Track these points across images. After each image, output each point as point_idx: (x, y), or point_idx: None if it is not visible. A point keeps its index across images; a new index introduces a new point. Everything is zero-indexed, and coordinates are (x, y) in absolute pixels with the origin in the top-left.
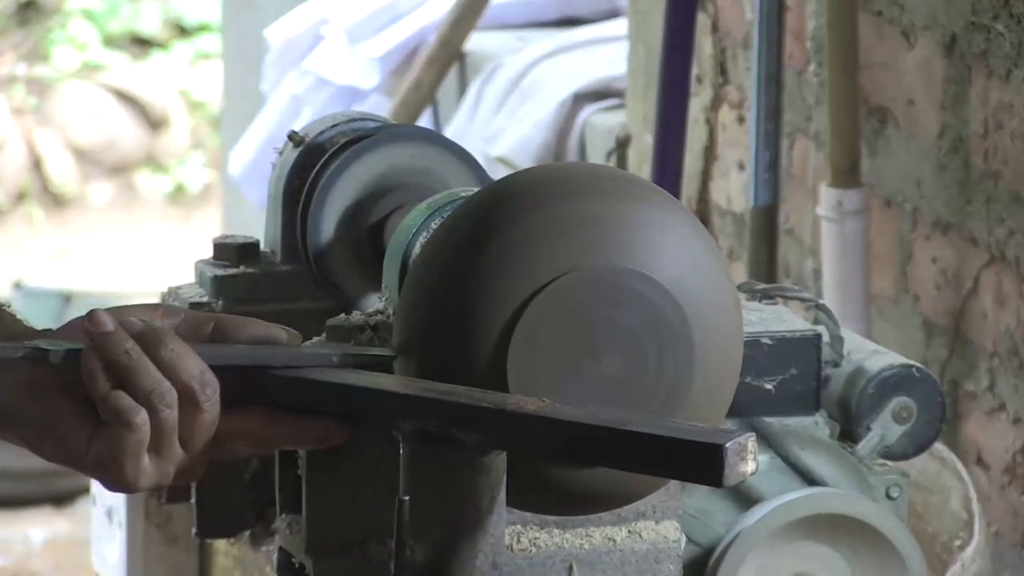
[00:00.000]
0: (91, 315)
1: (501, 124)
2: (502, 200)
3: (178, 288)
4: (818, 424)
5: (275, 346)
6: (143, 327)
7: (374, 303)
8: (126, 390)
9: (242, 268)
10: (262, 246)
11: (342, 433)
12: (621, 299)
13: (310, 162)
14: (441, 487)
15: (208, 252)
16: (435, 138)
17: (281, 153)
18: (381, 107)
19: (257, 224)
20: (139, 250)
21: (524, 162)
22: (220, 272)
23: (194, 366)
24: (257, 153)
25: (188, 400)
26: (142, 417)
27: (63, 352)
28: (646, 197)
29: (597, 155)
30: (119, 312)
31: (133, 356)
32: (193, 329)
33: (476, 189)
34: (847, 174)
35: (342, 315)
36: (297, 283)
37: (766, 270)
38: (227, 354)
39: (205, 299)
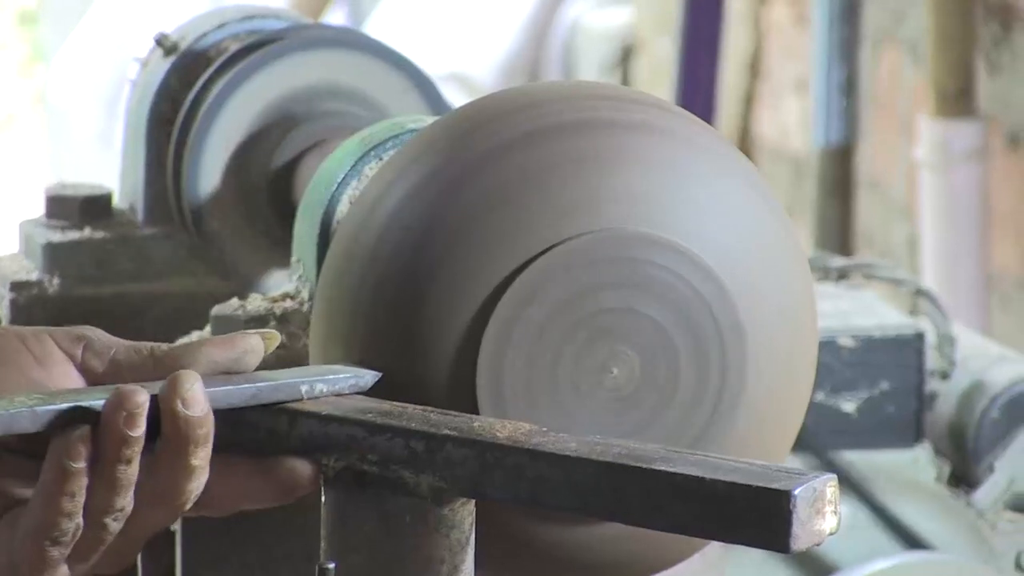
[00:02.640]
0: (126, 400)
1: (451, 24)
2: (466, 137)
3: None
4: (920, 462)
5: (245, 375)
6: (197, 436)
7: (280, 283)
8: (86, 493)
9: (88, 232)
10: (116, 200)
11: (314, 479)
12: (640, 279)
13: (187, 79)
14: (381, 549)
15: (38, 209)
16: (368, 44)
17: (144, 66)
18: None
19: (99, 169)
20: None
21: (487, 79)
22: (57, 237)
23: (205, 475)
24: (96, 64)
25: (166, 512)
26: (71, 536)
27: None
28: (674, 130)
29: (591, 68)
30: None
31: (130, 469)
32: (129, 369)
33: (429, 119)
34: (957, 100)
35: (233, 300)
36: (167, 254)
37: (838, 237)
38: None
39: (34, 276)
